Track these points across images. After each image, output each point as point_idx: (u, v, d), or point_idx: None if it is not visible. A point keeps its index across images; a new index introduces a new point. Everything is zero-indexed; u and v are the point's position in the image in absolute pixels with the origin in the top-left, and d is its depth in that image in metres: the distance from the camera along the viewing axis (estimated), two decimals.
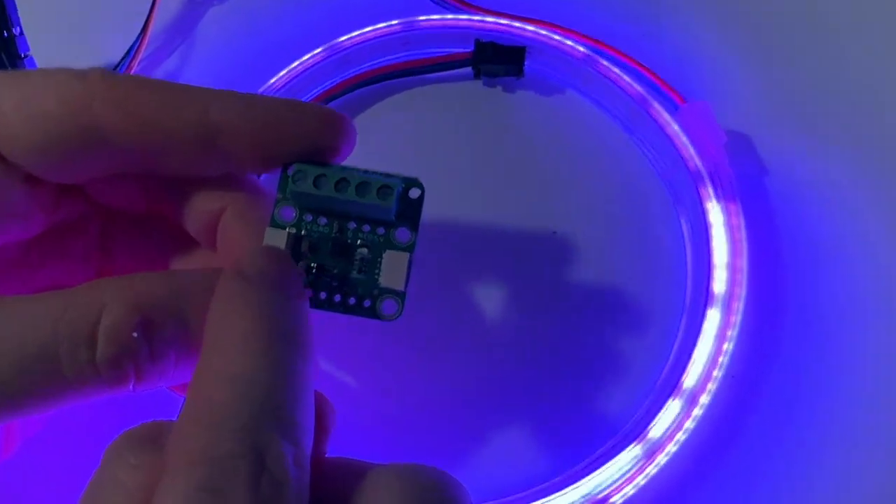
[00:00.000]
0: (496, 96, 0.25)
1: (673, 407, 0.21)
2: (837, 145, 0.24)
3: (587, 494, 0.20)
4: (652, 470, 0.21)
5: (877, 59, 0.25)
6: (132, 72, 0.24)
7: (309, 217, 0.16)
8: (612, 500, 0.20)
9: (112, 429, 0.13)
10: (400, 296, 0.16)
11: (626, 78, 0.23)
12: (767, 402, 0.22)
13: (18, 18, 0.22)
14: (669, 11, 0.25)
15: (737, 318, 0.21)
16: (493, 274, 0.23)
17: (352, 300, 0.16)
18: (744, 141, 0.24)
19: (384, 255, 0.16)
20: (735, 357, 0.21)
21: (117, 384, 0.14)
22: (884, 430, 0.22)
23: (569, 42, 0.24)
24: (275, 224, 0.16)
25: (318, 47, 0.24)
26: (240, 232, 0.16)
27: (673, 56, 0.25)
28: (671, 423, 0.21)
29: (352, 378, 0.22)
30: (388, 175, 0.16)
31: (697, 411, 0.21)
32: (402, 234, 0.16)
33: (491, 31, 0.24)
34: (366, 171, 0.16)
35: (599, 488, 0.21)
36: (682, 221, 0.23)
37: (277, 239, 0.16)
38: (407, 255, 0.16)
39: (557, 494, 0.21)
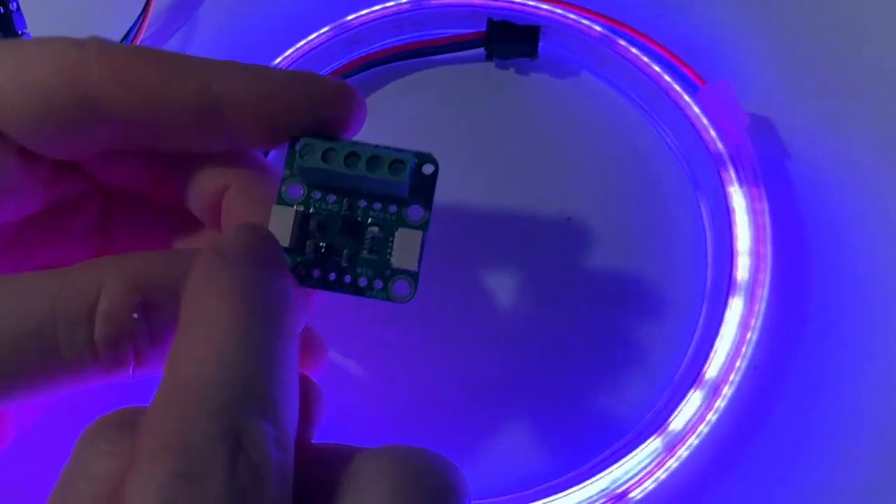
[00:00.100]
0: (509, 78, 0.24)
1: (695, 398, 0.20)
2: (860, 127, 0.23)
3: (605, 489, 0.20)
4: (673, 464, 0.20)
5: None
6: None
7: (317, 194, 0.15)
8: (631, 494, 0.20)
9: None
10: (413, 276, 0.15)
11: (645, 58, 0.23)
12: (792, 392, 0.21)
13: None
14: None
15: (761, 307, 0.21)
16: (504, 261, 0.22)
17: (362, 281, 0.15)
18: (765, 124, 0.23)
19: (396, 234, 0.15)
20: (757, 346, 0.21)
21: (116, 367, 0.14)
22: None
23: (585, 21, 0.23)
24: (282, 202, 0.15)
25: (324, 26, 0.23)
26: (244, 210, 0.16)
27: (692, 36, 0.24)
28: (693, 414, 0.20)
29: (354, 365, 0.22)
30: (399, 150, 0.15)
31: (720, 403, 0.20)
32: (414, 211, 0.15)
33: (503, 9, 0.23)
34: (377, 146, 0.15)
35: (618, 483, 0.20)
36: (703, 207, 0.23)
37: (284, 217, 0.15)
38: (420, 233, 0.15)
39: (573, 489, 0.20)
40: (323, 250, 0.15)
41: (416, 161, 0.15)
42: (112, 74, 0.14)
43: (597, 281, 0.22)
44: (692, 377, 0.20)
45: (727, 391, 0.20)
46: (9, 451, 0.16)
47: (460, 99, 0.24)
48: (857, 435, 0.21)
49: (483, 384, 0.21)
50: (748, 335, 0.20)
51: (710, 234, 0.22)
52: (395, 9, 0.23)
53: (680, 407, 0.20)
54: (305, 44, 0.23)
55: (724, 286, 0.21)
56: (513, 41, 0.23)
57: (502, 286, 0.22)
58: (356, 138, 0.15)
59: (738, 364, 0.20)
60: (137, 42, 0.24)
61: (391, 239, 0.15)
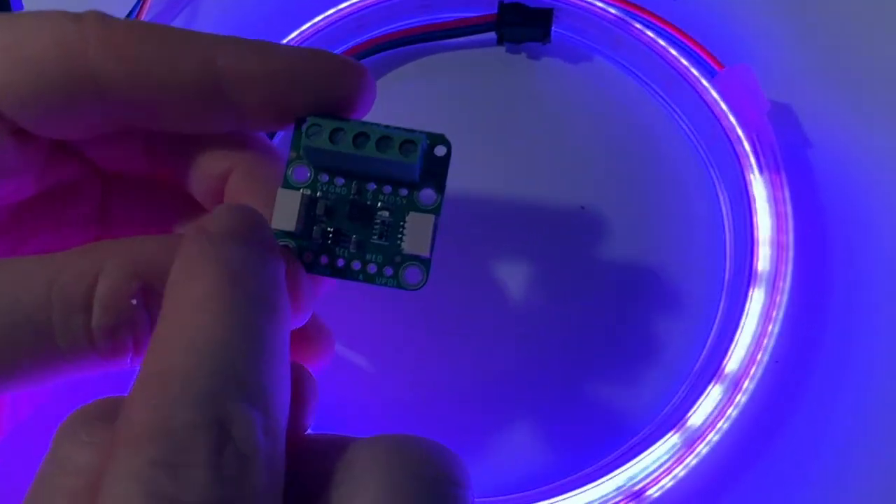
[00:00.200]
0: (520, 63, 0.23)
1: (714, 393, 0.19)
2: (886, 116, 0.23)
3: (621, 487, 0.19)
4: (692, 461, 0.19)
5: None
6: None
7: (325, 177, 0.15)
8: (648, 492, 0.19)
9: None
10: (425, 263, 0.14)
11: (661, 42, 0.22)
12: (815, 387, 0.20)
13: None
14: None
15: (782, 298, 0.20)
16: (514, 252, 0.22)
17: (372, 268, 0.15)
18: (785, 111, 0.23)
19: (407, 218, 0.14)
20: (779, 338, 0.20)
21: (114, 356, 0.13)
22: None
23: (599, 4, 0.22)
24: (287, 185, 0.15)
25: (330, 9, 0.22)
26: (248, 194, 0.15)
27: (710, 18, 0.23)
28: (712, 410, 0.19)
29: (358, 357, 0.21)
30: (410, 131, 0.14)
31: (741, 397, 0.19)
32: (426, 195, 0.15)
33: None
34: (387, 126, 0.14)
35: (634, 480, 0.19)
36: (721, 194, 0.22)
37: (290, 201, 0.14)
38: (432, 217, 0.14)
39: (588, 487, 0.19)
40: (331, 236, 0.15)
41: (428, 142, 0.15)
42: (111, 49, 0.13)
43: (611, 272, 0.21)
44: (712, 371, 0.20)
45: (748, 385, 0.19)
46: (4, 443, 0.16)
47: (470, 85, 0.23)
48: (883, 430, 0.20)
49: (494, 378, 0.21)
50: (770, 327, 0.20)
51: (730, 222, 0.22)
52: None
53: (699, 402, 0.19)
54: (310, 27, 0.22)
55: (745, 277, 0.20)
56: (524, 24, 0.22)
57: (513, 277, 0.21)
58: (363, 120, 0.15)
59: (759, 357, 0.20)
60: None
61: (402, 224, 0.15)
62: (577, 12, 0.22)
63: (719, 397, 0.19)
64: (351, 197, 0.15)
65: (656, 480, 0.19)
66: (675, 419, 0.19)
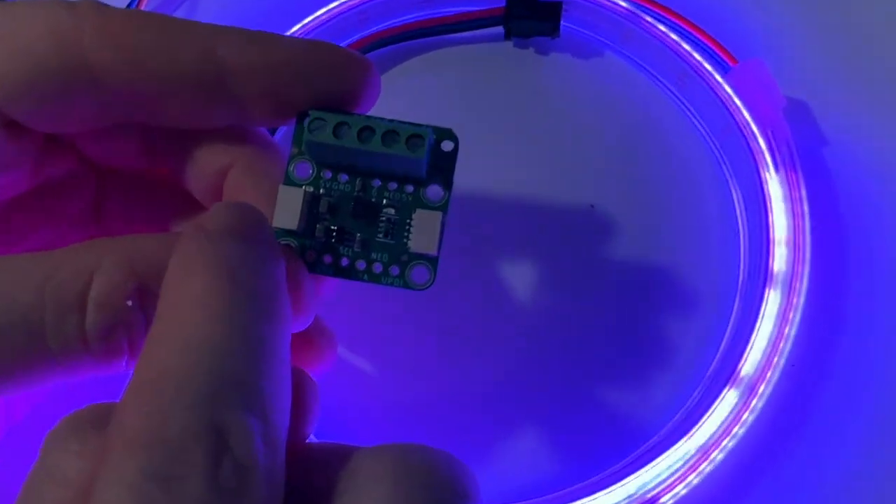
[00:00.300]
0: (528, 58, 0.23)
1: (730, 397, 0.19)
2: None
3: (632, 495, 0.18)
4: (706, 468, 0.18)
5: None
6: None
7: (328, 174, 0.14)
8: (661, 501, 0.18)
9: None
10: (432, 262, 0.14)
11: (673, 36, 0.21)
12: (832, 390, 0.20)
13: None
14: None
15: (799, 300, 0.19)
16: (523, 252, 0.21)
17: (377, 267, 0.14)
18: (801, 107, 0.22)
19: (414, 216, 0.14)
20: (796, 341, 0.19)
21: (109, 359, 0.12)
22: None
23: None
24: (289, 182, 0.14)
25: (333, 2, 0.22)
26: (248, 191, 0.14)
27: (723, 12, 0.23)
28: (727, 415, 0.19)
29: (362, 360, 0.20)
30: (416, 125, 0.14)
31: (756, 402, 0.19)
32: (433, 191, 0.14)
33: None
34: (392, 121, 0.14)
35: (646, 488, 0.18)
36: (736, 193, 0.21)
37: (292, 198, 0.14)
38: (440, 214, 0.14)
39: (599, 494, 0.18)
40: (334, 234, 0.14)
41: (435, 137, 0.14)
42: (107, 39, 0.13)
43: (623, 273, 0.21)
44: (726, 375, 0.19)
45: (764, 390, 0.19)
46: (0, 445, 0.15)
47: (476, 81, 0.23)
48: None
49: (501, 382, 0.20)
50: (787, 330, 0.19)
51: (744, 222, 0.21)
52: None
53: (713, 407, 0.19)
54: (312, 20, 0.22)
55: (760, 278, 0.20)
56: (533, 18, 0.22)
57: (521, 278, 0.21)
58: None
59: (775, 361, 0.19)
60: None
61: (408, 221, 0.14)
62: (587, 6, 0.22)
63: (734, 402, 0.19)
64: (355, 194, 0.14)
65: (669, 488, 0.18)
66: (688, 425, 0.19)
